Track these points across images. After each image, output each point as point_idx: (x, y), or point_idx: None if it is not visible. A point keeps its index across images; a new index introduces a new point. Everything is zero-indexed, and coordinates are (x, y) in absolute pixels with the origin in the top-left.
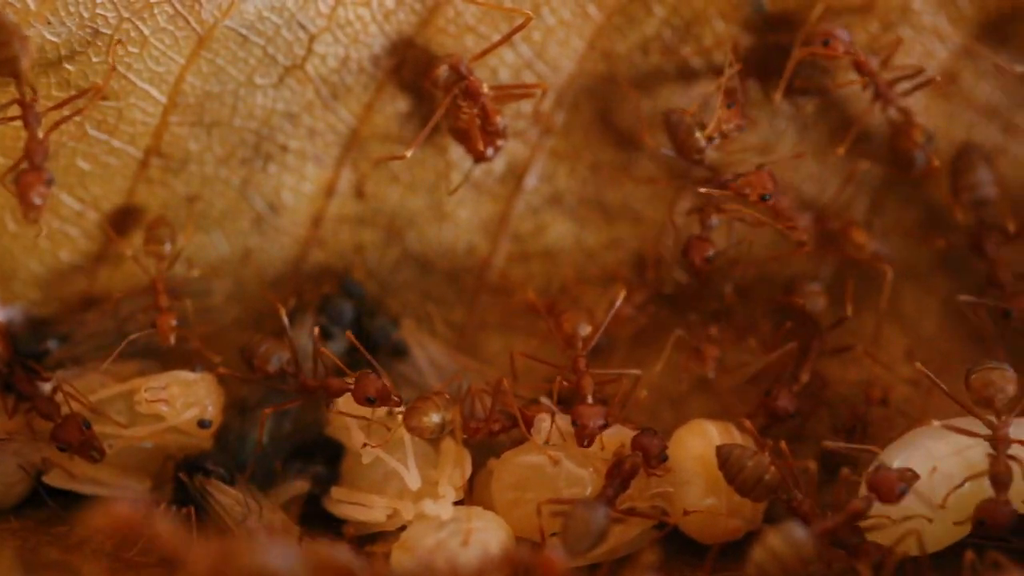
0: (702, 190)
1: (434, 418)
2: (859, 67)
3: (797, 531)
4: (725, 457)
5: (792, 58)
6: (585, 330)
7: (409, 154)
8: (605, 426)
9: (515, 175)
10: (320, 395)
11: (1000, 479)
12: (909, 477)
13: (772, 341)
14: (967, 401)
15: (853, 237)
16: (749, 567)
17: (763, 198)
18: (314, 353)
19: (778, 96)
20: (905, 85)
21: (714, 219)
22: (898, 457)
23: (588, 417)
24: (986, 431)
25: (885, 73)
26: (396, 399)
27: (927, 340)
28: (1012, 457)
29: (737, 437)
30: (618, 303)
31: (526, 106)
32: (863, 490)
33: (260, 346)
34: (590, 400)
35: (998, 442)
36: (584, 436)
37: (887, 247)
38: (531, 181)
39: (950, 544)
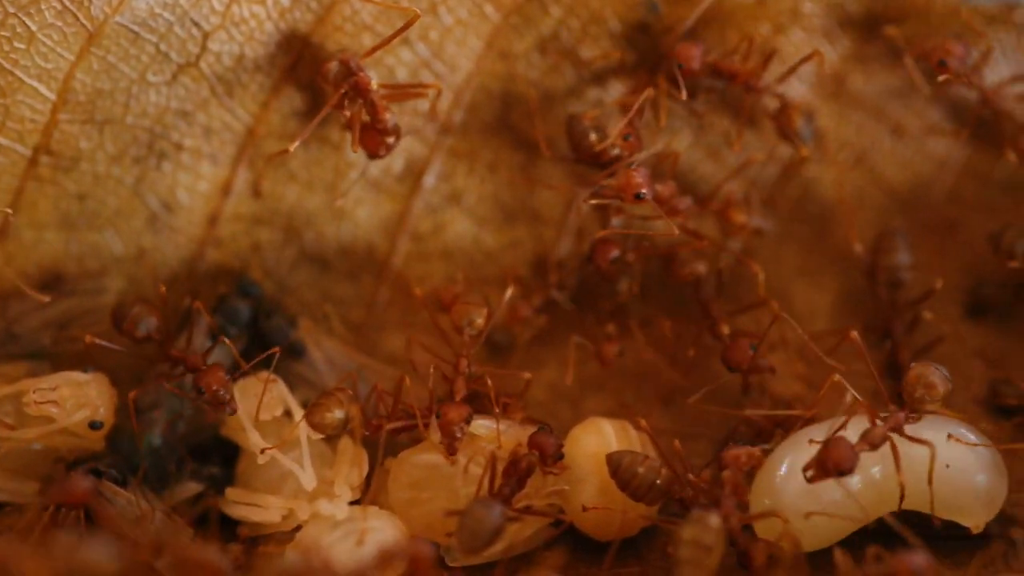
0: (589, 201)
1: (337, 414)
2: (719, 72)
3: (707, 518)
4: (616, 465)
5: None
6: (472, 328)
7: (292, 148)
8: (468, 422)
9: (414, 174)
10: (181, 369)
11: (872, 438)
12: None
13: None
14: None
15: (733, 216)
16: (682, 569)
17: (638, 196)
18: (189, 330)
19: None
20: (796, 85)
21: (615, 220)
22: (787, 456)
23: (452, 415)
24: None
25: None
26: (225, 401)
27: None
28: (905, 435)
29: (633, 435)
30: (505, 299)
31: (424, 105)
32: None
33: (131, 308)
34: (458, 400)
35: (894, 424)
36: (446, 434)
37: (768, 223)
38: (430, 180)
39: (839, 540)
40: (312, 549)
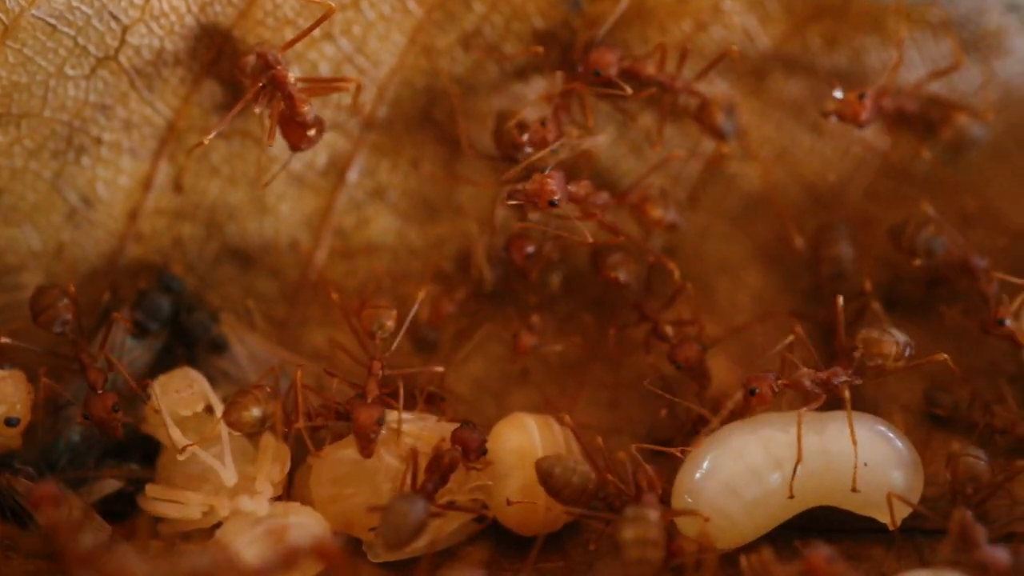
0: (509, 201)
1: (254, 412)
2: (633, 74)
3: (646, 514)
4: (547, 473)
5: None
6: (382, 331)
7: (208, 140)
8: (380, 424)
9: (337, 169)
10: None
11: (797, 381)
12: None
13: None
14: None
15: (648, 211)
16: (630, 569)
17: (551, 204)
18: (103, 339)
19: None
20: (718, 83)
21: (533, 215)
22: (708, 454)
23: (363, 418)
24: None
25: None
26: (110, 428)
27: (739, 333)
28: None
29: (556, 430)
30: (415, 306)
31: (348, 100)
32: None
33: (50, 301)
34: (370, 401)
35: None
36: (359, 436)
37: (683, 218)
38: (353, 175)
39: (759, 536)
40: (220, 546)
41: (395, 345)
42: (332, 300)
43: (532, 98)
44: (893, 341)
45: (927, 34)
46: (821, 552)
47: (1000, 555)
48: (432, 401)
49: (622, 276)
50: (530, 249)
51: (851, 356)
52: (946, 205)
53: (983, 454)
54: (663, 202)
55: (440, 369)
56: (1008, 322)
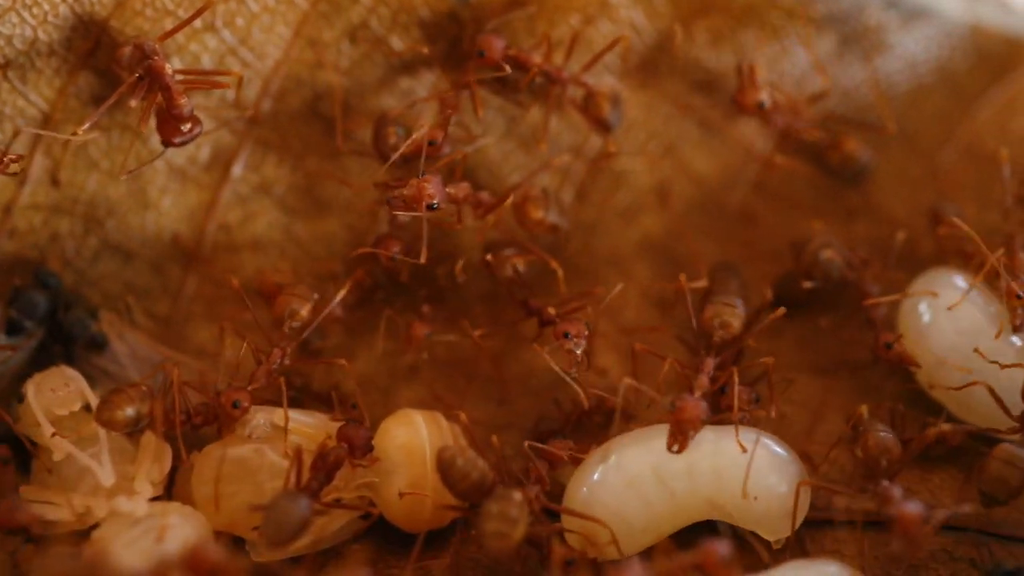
0: (388, 208)
1: (128, 411)
2: (520, 64)
3: (511, 493)
4: (448, 464)
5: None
6: (294, 320)
7: (82, 131)
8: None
9: (222, 163)
10: None
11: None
12: None
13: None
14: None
15: (529, 212)
16: (487, 541)
17: (431, 207)
18: None
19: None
20: (605, 77)
21: (402, 217)
22: (604, 457)
23: (224, 398)
24: None
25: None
26: None
27: (629, 329)
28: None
29: (444, 425)
30: (336, 300)
31: (232, 93)
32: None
33: None
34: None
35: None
36: (223, 419)
37: (564, 220)
38: (238, 170)
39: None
40: (95, 548)
41: (305, 334)
42: (233, 286)
43: (419, 96)
44: (740, 316)
45: (809, 30)
46: (716, 547)
47: (913, 507)
48: (328, 400)
49: (508, 271)
50: (396, 250)
51: (710, 338)
52: (829, 199)
53: (888, 428)
54: (544, 203)
55: (343, 362)
56: (895, 345)
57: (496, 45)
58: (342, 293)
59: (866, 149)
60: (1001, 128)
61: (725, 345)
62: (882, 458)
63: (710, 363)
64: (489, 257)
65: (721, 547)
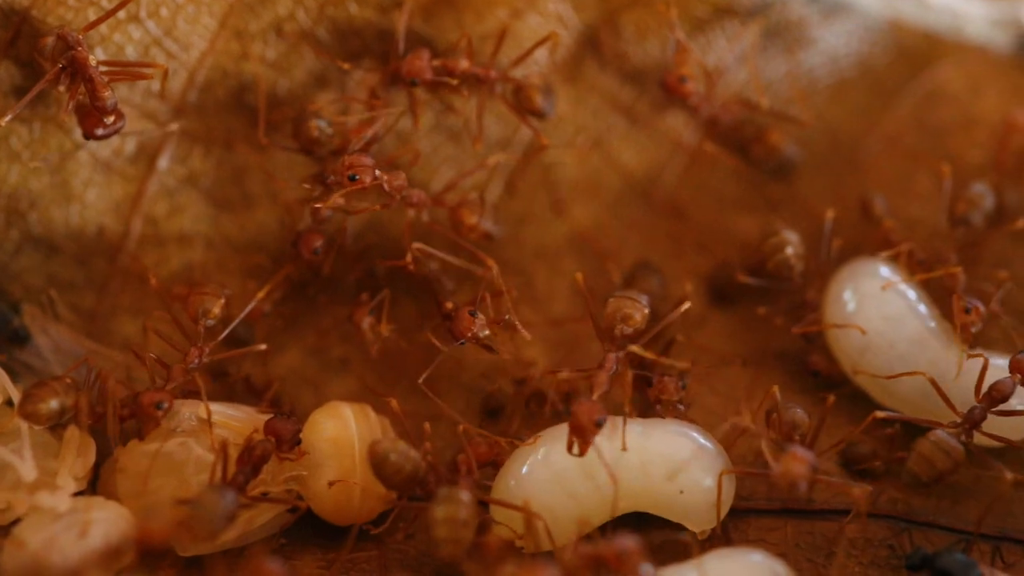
0: (305, 184)
1: (52, 404)
2: (448, 72)
3: (458, 493)
4: (382, 458)
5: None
6: (206, 318)
7: (3, 123)
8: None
9: (147, 155)
10: None
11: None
12: None
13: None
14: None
15: (463, 216)
16: (440, 548)
17: (352, 179)
18: None
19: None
20: (533, 71)
21: (326, 211)
22: (535, 448)
23: (145, 398)
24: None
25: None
26: None
27: (556, 320)
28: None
29: (372, 418)
30: (256, 300)
31: (157, 84)
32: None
33: None
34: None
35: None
36: (143, 418)
37: (499, 228)
38: (164, 162)
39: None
40: (14, 543)
41: (224, 334)
42: (151, 286)
43: (350, 89)
44: (642, 309)
45: (735, 23)
46: (625, 542)
47: (804, 453)
48: (254, 390)
49: (431, 266)
50: (319, 244)
51: (614, 336)
52: (754, 192)
53: (799, 406)
54: (479, 209)
55: (263, 347)
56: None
57: (422, 65)
58: (262, 293)
59: (790, 142)
60: (920, 121)
61: (628, 340)
62: (794, 433)
63: (611, 359)
64: (409, 256)
65: (629, 541)
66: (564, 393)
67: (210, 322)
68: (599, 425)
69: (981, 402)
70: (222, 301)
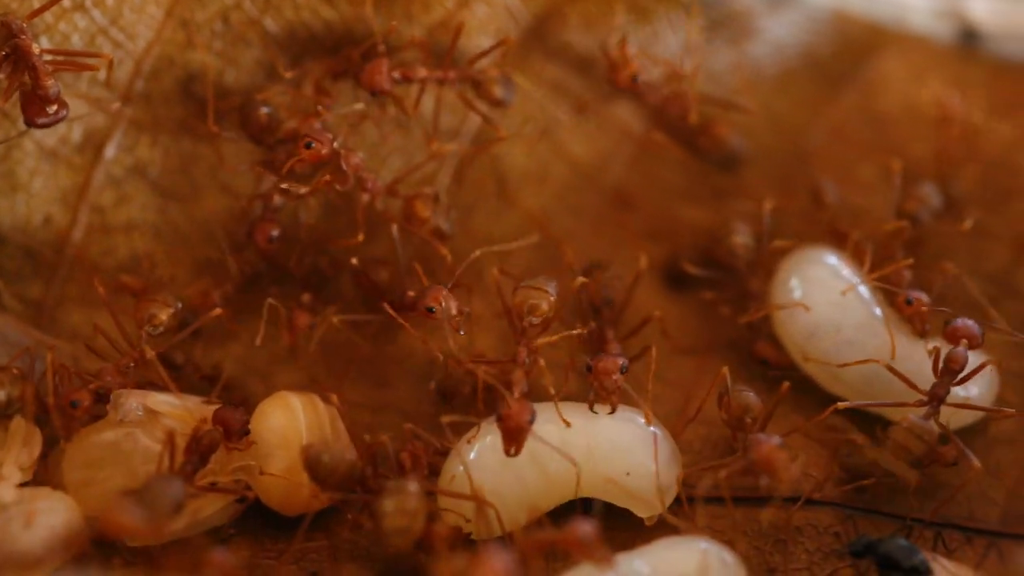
0: (258, 168)
1: None
2: (408, 79)
3: (405, 485)
4: (315, 460)
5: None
6: (152, 327)
7: None
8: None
9: (94, 144)
10: None
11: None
12: None
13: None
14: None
15: (417, 209)
16: (389, 539)
17: (307, 146)
18: None
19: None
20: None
21: (278, 199)
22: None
23: (75, 396)
24: None
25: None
26: None
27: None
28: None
29: (321, 408)
30: (215, 311)
31: (103, 74)
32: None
33: None
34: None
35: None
36: (57, 414)
37: (450, 226)
38: (111, 151)
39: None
40: None
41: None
42: (98, 293)
43: (297, 79)
44: (549, 297)
45: (680, 14)
46: (580, 526)
47: (774, 439)
48: (203, 377)
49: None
50: (274, 233)
51: (524, 328)
52: (701, 182)
53: (749, 388)
54: (433, 204)
55: (218, 311)
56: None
57: (381, 79)
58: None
59: (736, 134)
60: (865, 110)
61: (537, 330)
62: (745, 416)
63: (523, 352)
64: (355, 261)
65: (585, 526)
66: (488, 386)
67: (156, 330)
68: (531, 423)
69: (941, 377)
70: (171, 311)
